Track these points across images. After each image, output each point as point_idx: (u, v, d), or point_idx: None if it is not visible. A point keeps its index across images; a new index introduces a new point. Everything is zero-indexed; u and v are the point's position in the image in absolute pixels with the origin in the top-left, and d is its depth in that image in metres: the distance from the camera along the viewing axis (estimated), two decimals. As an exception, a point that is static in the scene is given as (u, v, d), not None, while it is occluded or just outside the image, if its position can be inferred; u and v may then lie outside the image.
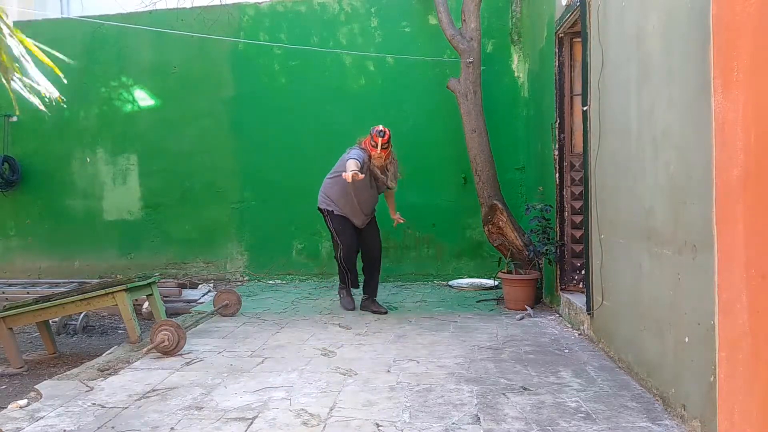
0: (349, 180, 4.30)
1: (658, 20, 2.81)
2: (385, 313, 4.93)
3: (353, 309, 5.07)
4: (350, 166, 4.45)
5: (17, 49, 2.14)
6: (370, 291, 5.15)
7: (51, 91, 2.31)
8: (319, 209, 5.04)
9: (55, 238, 7.21)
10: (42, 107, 2.39)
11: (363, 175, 4.41)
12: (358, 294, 5.31)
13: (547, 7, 5.16)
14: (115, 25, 6.61)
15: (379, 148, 4.65)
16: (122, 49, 7.04)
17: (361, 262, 5.21)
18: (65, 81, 2.48)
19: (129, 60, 7.04)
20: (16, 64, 2.17)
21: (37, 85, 2.24)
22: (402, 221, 5.13)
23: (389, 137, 4.70)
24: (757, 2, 1.93)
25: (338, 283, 5.35)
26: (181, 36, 6.39)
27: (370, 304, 5.08)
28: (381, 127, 4.69)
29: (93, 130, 7.14)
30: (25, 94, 2.23)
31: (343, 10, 6.78)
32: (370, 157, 4.73)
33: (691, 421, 2.47)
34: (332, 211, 4.92)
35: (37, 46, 2.19)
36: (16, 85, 2.20)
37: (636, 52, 3.10)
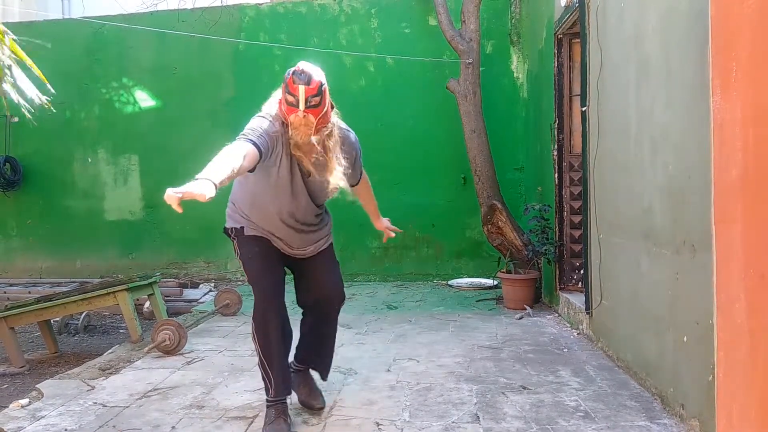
0: (175, 207, 1.91)
1: (657, 21, 2.82)
2: (321, 409, 2.82)
3: None
4: (205, 177, 2.01)
5: (6, 57, 2.19)
6: (318, 363, 2.91)
7: (40, 97, 2.35)
8: (225, 232, 2.76)
9: (56, 238, 7.23)
10: (29, 112, 2.42)
11: (210, 195, 1.94)
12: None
13: (546, 8, 5.17)
14: (117, 25, 6.63)
15: (301, 105, 2.35)
16: (123, 49, 7.06)
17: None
18: (52, 90, 2.49)
19: (130, 61, 7.06)
20: (6, 71, 2.22)
21: (26, 91, 2.29)
22: (394, 233, 3.02)
23: (320, 86, 2.38)
24: (756, 3, 1.94)
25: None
26: (182, 37, 6.40)
27: (305, 388, 2.88)
28: (302, 66, 2.40)
29: (94, 130, 7.17)
30: (14, 96, 2.26)
31: (343, 11, 6.80)
32: (286, 126, 2.44)
33: (690, 420, 2.48)
34: (241, 229, 2.66)
35: (25, 53, 2.24)
36: (7, 86, 2.24)
37: (635, 53, 3.12)
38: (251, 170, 2.33)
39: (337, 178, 2.51)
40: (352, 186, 2.78)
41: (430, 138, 6.62)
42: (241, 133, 2.34)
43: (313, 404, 2.83)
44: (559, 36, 4.75)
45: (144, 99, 7.10)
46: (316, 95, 2.36)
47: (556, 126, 4.83)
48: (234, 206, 2.71)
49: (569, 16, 4.36)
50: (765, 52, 1.89)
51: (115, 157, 7.14)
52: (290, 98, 2.37)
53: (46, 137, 7.17)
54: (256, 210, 2.63)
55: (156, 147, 7.04)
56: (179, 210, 1.91)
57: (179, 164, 6.99)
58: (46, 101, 2.38)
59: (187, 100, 6.97)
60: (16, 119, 7.16)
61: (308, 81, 2.36)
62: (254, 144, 2.28)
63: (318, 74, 2.40)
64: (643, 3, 3.00)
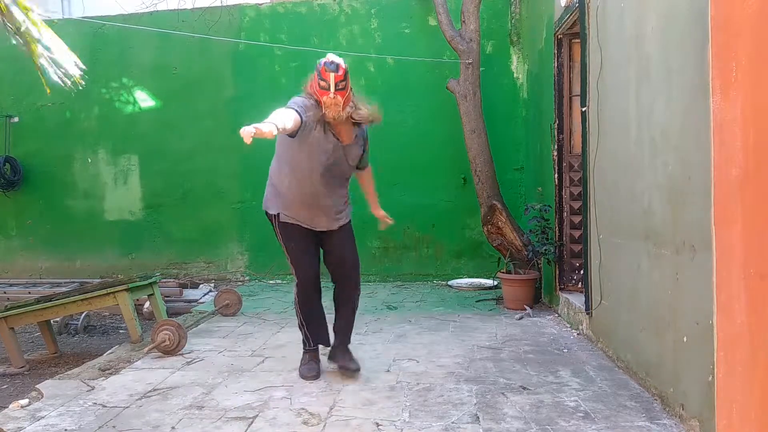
0: (246, 139, 2.51)
1: (657, 21, 2.82)
2: (357, 370, 3.31)
3: (315, 377, 3.28)
4: (269, 122, 2.70)
5: (34, 30, 2.17)
6: (341, 333, 3.41)
7: (77, 63, 2.33)
8: (266, 213, 3.35)
9: (56, 238, 7.24)
10: (68, 83, 2.38)
11: (275, 132, 2.65)
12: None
13: (546, 9, 5.17)
14: (117, 25, 6.63)
15: (332, 89, 3.02)
16: (123, 49, 7.07)
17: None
18: (82, 66, 2.47)
19: (130, 61, 7.07)
20: (39, 45, 2.20)
21: (58, 67, 2.25)
22: (390, 222, 3.50)
23: (345, 73, 3.06)
24: (756, 3, 1.94)
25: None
26: (182, 37, 6.40)
27: (338, 355, 3.38)
28: (331, 57, 3.10)
29: (94, 130, 7.17)
30: (52, 71, 2.24)
31: (343, 11, 6.80)
32: (320, 105, 3.09)
33: (690, 420, 2.48)
34: (277, 215, 3.25)
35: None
36: (44, 61, 2.22)
37: (635, 53, 3.12)
38: (292, 135, 3.01)
39: (358, 147, 3.25)
40: (360, 169, 3.40)
41: (430, 138, 6.63)
42: (286, 105, 3.03)
43: (350, 366, 3.31)
44: (559, 36, 4.75)
45: (144, 99, 7.11)
46: (342, 80, 3.07)
47: (556, 126, 4.83)
48: (273, 188, 3.29)
49: (569, 17, 4.36)
50: (765, 52, 1.89)
51: (115, 158, 7.15)
52: (323, 83, 3.06)
53: (46, 137, 7.18)
54: (293, 178, 3.17)
55: (156, 147, 7.05)
56: (249, 142, 2.51)
57: (179, 164, 7.01)
58: (80, 73, 2.36)
59: (187, 100, 6.98)
60: (16, 119, 7.18)
61: (337, 69, 3.05)
62: (297, 112, 2.98)
63: (343, 64, 3.09)
64: (643, 3, 3.00)
